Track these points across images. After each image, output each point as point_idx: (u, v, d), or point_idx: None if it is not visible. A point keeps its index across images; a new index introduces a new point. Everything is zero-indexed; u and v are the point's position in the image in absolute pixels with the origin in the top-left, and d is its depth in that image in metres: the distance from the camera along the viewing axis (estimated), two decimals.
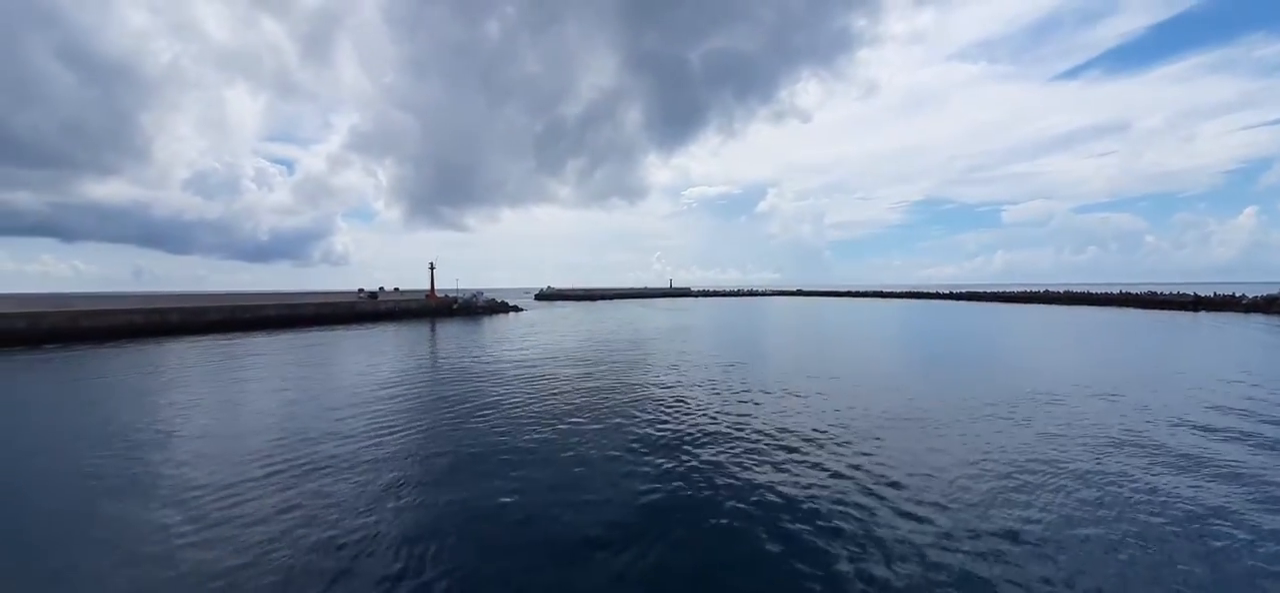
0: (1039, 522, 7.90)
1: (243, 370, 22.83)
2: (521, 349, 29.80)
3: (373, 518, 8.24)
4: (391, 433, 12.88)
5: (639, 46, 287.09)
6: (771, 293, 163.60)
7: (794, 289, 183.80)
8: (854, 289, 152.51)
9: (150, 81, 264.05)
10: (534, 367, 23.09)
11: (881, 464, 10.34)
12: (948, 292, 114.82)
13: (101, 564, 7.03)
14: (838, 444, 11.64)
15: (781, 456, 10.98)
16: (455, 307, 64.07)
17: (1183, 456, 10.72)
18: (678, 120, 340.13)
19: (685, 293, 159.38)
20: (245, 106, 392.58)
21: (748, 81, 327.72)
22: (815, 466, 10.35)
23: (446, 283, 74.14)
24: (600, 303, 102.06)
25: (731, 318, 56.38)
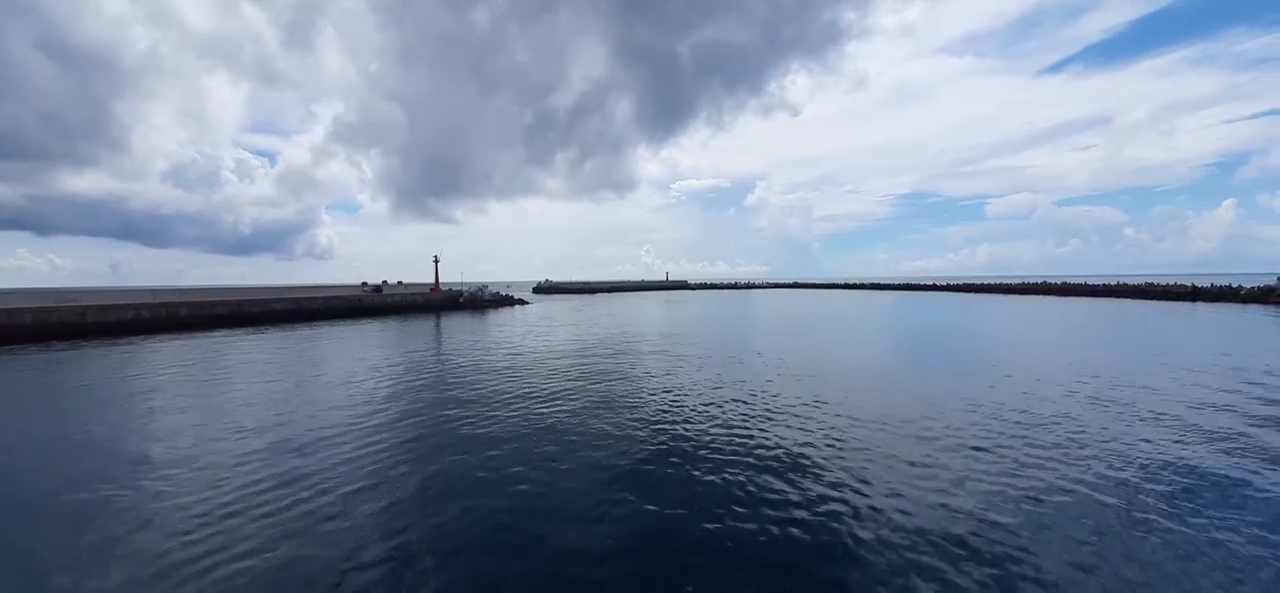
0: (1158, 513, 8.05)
1: (266, 367, 22.58)
2: (543, 343, 29.69)
3: (426, 521, 8.23)
4: (435, 431, 12.83)
5: (629, 37, 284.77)
6: (768, 286, 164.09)
7: (790, 282, 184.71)
8: (850, 281, 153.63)
9: (127, 70, 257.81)
10: (566, 361, 23.05)
11: (968, 475, 10.45)
12: (945, 284, 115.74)
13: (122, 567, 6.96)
14: (900, 455, 11.74)
15: (826, 458, 11.06)
16: (461, 300, 63.68)
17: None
18: (667, 112, 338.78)
19: (682, 286, 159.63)
20: (226, 96, 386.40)
21: (737, 74, 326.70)
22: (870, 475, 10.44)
23: (443, 276, 73.44)
24: (600, 296, 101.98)
25: (735, 312, 56.49)
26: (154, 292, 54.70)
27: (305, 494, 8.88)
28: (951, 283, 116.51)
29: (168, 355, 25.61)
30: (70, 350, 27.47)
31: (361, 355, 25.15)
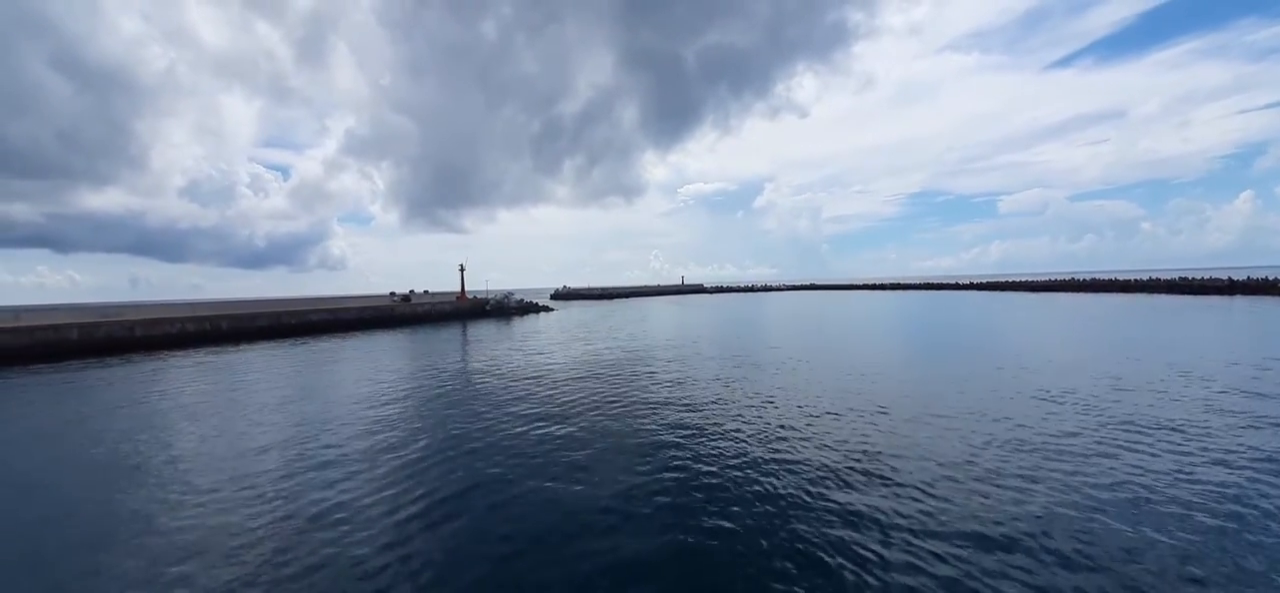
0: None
1: (321, 375, 22.72)
2: (586, 351, 29.65)
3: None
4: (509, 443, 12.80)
5: (635, 43, 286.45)
6: (782, 288, 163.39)
7: (805, 283, 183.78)
8: (869, 282, 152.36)
9: (145, 89, 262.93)
10: (616, 370, 22.98)
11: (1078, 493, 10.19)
12: (967, 283, 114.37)
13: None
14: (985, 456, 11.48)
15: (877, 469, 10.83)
16: (488, 308, 64.05)
17: None
18: (674, 117, 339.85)
19: (698, 289, 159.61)
20: (240, 112, 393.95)
21: (743, 77, 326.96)
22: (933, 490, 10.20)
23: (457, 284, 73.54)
24: (618, 301, 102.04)
25: (763, 315, 56.10)
26: (193, 306, 55.57)
27: (378, 503, 8.86)
28: (975, 281, 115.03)
29: (219, 368, 25.88)
30: (122, 365, 27.87)
31: (406, 364, 25.26)
